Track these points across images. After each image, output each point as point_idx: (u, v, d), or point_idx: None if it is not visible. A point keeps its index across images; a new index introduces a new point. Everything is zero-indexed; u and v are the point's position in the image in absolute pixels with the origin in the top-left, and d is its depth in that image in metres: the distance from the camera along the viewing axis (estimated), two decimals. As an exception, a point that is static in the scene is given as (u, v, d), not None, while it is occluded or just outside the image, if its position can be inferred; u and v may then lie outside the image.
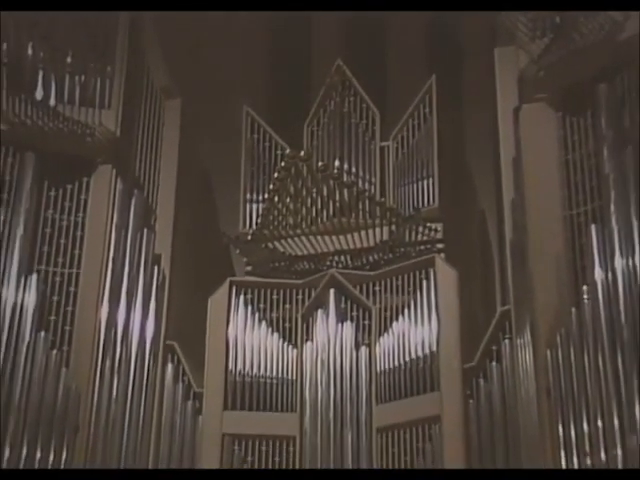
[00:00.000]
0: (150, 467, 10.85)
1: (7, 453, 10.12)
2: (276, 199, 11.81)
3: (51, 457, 10.25)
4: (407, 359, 11.15)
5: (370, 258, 12.08)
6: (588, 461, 9.07)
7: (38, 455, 10.20)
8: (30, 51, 11.50)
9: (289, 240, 12.17)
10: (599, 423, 9.09)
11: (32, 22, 11.50)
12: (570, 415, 9.30)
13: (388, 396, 11.13)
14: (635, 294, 9.30)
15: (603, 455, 8.99)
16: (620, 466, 8.84)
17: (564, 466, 9.20)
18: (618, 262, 9.50)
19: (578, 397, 9.31)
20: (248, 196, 12.78)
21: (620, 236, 9.59)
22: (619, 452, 8.90)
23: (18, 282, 10.82)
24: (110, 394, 10.83)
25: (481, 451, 10.54)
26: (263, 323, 11.69)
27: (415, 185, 12.41)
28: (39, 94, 11.37)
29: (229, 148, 13.20)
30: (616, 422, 8.98)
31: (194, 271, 12.58)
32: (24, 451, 10.17)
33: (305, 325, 11.67)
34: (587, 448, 9.10)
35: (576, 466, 9.13)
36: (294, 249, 12.21)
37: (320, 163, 11.95)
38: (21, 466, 10.14)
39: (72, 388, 10.56)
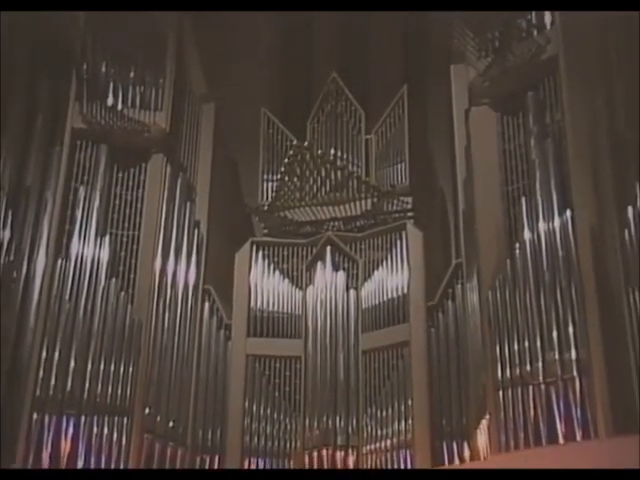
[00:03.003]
0: (193, 381, 11.09)
1: (90, 367, 10.38)
2: (286, 179, 12.14)
3: (121, 369, 10.45)
4: (385, 299, 11.41)
5: (357, 223, 12.24)
6: (517, 371, 9.28)
7: (112, 367, 10.41)
8: (104, 69, 11.65)
9: (296, 210, 12.36)
10: (526, 344, 9.38)
11: (105, 47, 11.65)
12: (505, 338, 9.56)
13: (371, 326, 11.39)
14: (554, 249, 9.58)
15: (528, 367, 9.25)
16: (540, 376, 9.08)
17: (499, 376, 9.39)
18: (542, 226, 9.75)
19: (511, 325, 9.58)
20: (265, 176, 12.86)
21: (543, 206, 9.82)
22: (540, 365, 9.19)
23: (95, 241, 11.01)
24: (163, 325, 11.07)
25: (439, 366, 10.83)
26: (276, 272, 11.92)
27: (391, 168, 12.57)
28: (110, 101, 11.54)
29: (250, 140, 13.18)
30: (538, 343, 9.31)
31: (224, 233, 12.63)
32: (102, 365, 10.41)
33: (308, 274, 11.88)
34: (517, 362, 9.36)
35: (508, 375, 9.34)
36: (300, 217, 12.39)
37: (319, 151, 12.23)
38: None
39: (135, 320, 10.79)
